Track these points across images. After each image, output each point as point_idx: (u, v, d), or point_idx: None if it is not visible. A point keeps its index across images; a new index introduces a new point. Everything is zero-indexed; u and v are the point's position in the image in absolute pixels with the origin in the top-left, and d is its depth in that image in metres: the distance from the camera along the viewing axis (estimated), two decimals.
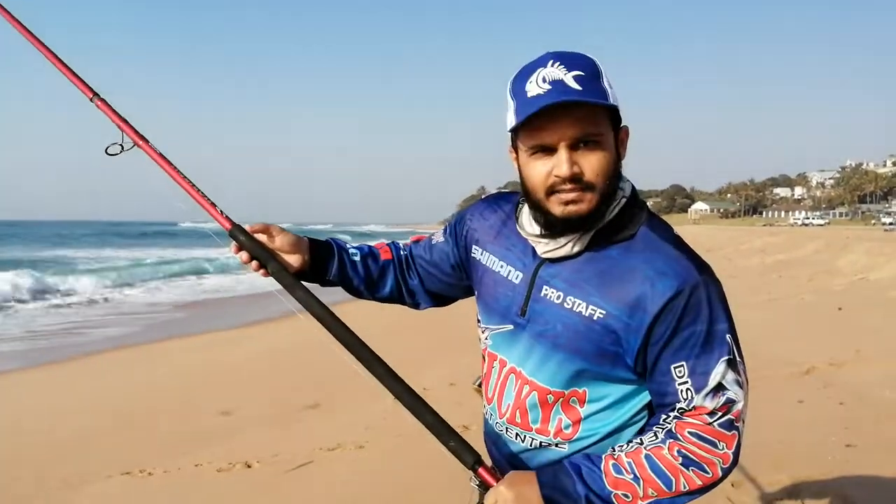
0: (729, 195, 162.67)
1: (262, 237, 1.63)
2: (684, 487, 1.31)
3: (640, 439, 1.36)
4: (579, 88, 1.29)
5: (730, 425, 1.32)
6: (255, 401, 6.64)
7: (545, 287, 1.43)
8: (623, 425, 1.45)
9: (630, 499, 1.32)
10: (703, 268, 1.35)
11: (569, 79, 1.30)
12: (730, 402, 1.32)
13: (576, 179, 1.33)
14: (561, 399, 1.43)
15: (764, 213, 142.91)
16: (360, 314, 4.12)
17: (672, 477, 1.31)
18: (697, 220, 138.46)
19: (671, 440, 1.32)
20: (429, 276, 1.75)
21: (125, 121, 1.70)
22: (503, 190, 1.73)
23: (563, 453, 1.44)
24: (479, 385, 1.64)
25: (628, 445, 1.36)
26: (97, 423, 6.04)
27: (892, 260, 16.84)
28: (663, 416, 1.37)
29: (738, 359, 1.34)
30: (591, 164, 1.33)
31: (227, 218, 1.63)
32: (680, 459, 1.31)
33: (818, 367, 6.94)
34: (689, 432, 1.32)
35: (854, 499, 3.78)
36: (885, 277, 14.90)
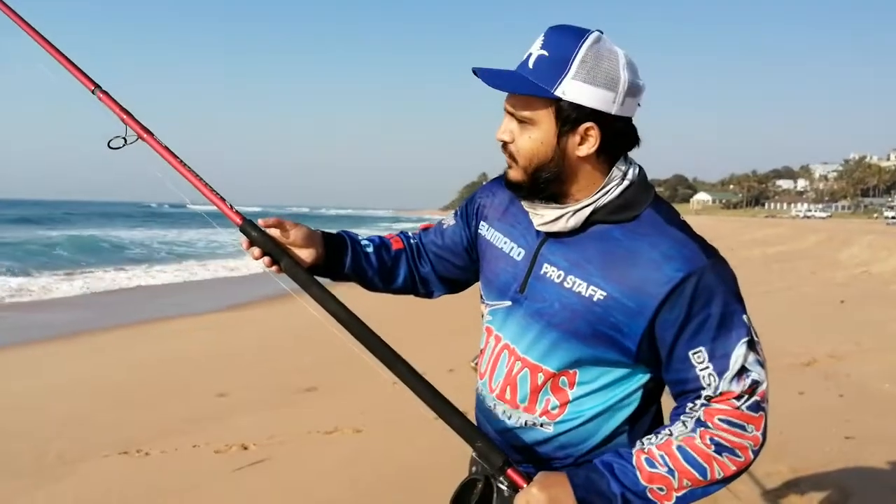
0: (731, 186, 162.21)
1: (275, 232, 1.56)
2: (719, 475, 1.30)
3: (670, 430, 1.33)
4: (531, 68, 1.33)
5: (757, 406, 1.30)
6: (251, 383, 6.64)
7: (546, 265, 1.42)
8: (610, 408, 1.42)
9: (665, 492, 1.30)
10: (710, 251, 1.34)
11: (533, 57, 1.34)
12: (755, 384, 1.30)
13: (506, 146, 1.41)
14: (551, 379, 1.42)
15: (766, 204, 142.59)
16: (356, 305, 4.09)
17: (706, 465, 1.29)
18: (699, 210, 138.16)
19: (702, 428, 1.30)
20: (441, 262, 1.72)
21: (128, 113, 1.63)
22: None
23: (548, 434, 1.43)
24: (476, 363, 1.63)
25: (657, 437, 1.34)
26: (96, 402, 6.04)
27: (894, 254, 16.83)
28: (689, 405, 1.34)
29: (755, 339, 1.33)
30: (519, 140, 1.38)
31: (238, 213, 1.57)
32: (713, 447, 1.29)
33: (819, 359, 6.93)
34: (718, 419, 1.29)
35: (853, 490, 3.78)
36: (887, 271, 14.88)
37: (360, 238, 1.71)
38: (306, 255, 1.58)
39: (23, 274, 17.86)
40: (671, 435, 1.32)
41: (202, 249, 29.00)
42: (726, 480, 1.32)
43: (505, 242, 1.52)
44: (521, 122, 1.36)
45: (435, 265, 1.74)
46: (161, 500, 4.03)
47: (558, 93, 1.31)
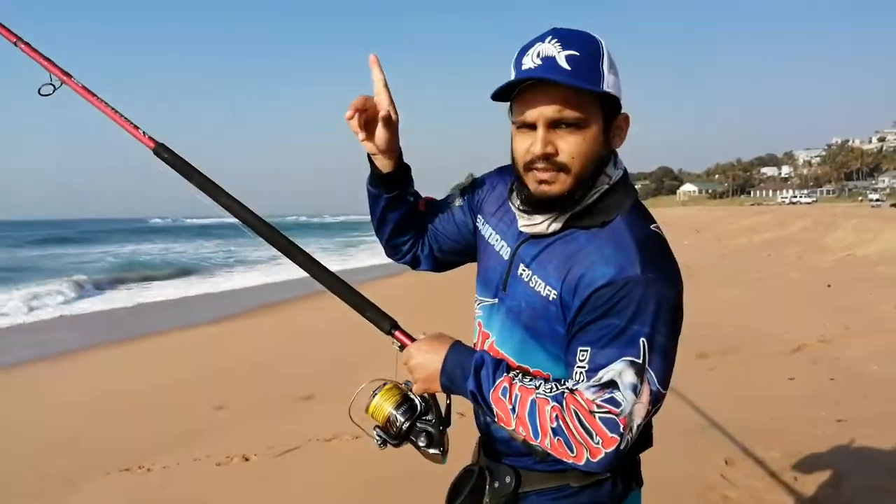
0: (717, 176, 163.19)
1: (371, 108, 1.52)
2: (548, 446, 1.32)
3: (541, 383, 1.37)
4: (567, 69, 1.29)
5: (614, 427, 1.27)
6: (248, 394, 6.66)
7: (521, 265, 1.46)
8: None
9: (504, 420, 1.36)
10: (652, 267, 1.30)
11: (561, 57, 1.30)
12: (614, 403, 1.28)
13: (549, 159, 1.34)
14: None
15: (752, 192, 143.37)
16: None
17: (541, 432, 1.32)
18: (686, 201, 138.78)
19: (556, 403, 1.32)
20: (441, 238, 1.72)
21: (50, 61, 1.76)
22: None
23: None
24: None
25: (529, 380, 1.38)
26: (93, 421, 6.04)
27: (879, 236, 16.98)
28: (563, 382, 1.37)
29: (647, 368, 1.28)
30: (569, 145, 1.33)
31: (151, 138, 1.69)
32: (554, 424, 1.31)
33: (808, 343, 7.02)
34: (573, 408, 1.30)
35: (846, 472, 3.84)
36: (873, 253, 15.03)
37: (411, 182, 1.69)
38: (384, 163, 1.58)
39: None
40: (537, 388, 1.35)
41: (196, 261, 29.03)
42: (556, 456, 1.33)
43: (496, 240, 1.56)
44: (568, 125, 1.32)
45: (433, 244, 1.73)
46: None
47: (604, 87, 1.32)
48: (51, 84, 1.74)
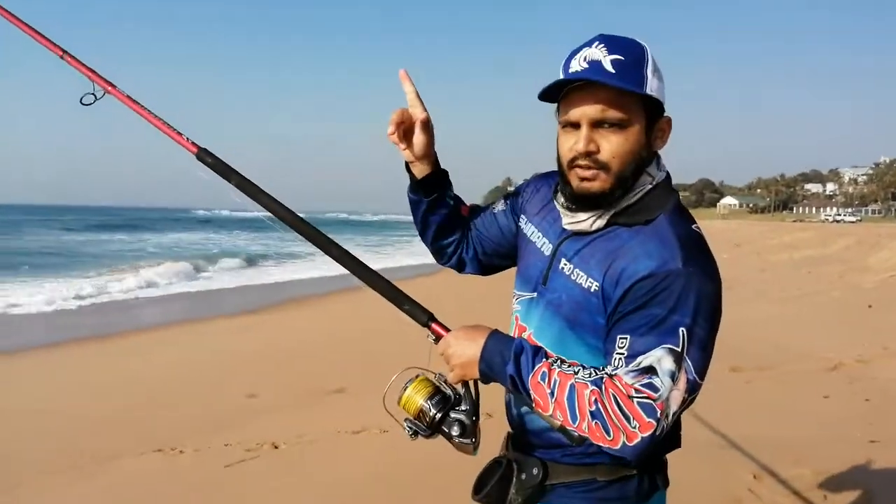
0: (759, 190, 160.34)
1: (407, 120, 1.61)
2: (585, 430, 1.34)
3: (580, 368, 1.39)
4: (612, 72, 1.36)
5: (651, 412, 1.30)
6: (280, 384, 6.77)
7: (563, 259, 1.50)
8: None
9: (542, 406, 1.38)
10: (693, 262, 1.35)
11: (606, 61, 1.37)
12: (652, 388, 1.31)
13: (591, 157, 1.40)
14: None
15: (794, 208, 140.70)
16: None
17: (579, 416, 1.34)
18: (726, 214, 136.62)
19: (595, 387, 1.35)
20: (485, 242, 1.78)
21: (94, 71, 1.83)
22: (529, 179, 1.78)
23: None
24: None
25: (567, 366, 1.40)
26: (133, 401, 6.22)
27: None
28: (601, 368, 1.40)
29: (685, 357, 1.32)
30: (611, 145, 1.39)
31: (194, 143, 1.75)
32: (592, 407, 1.33)
33: (845, 363, 6.90)
34: (612, 392, 1.33)
35: (876, 494, 3.78)
36: None
37: (450, 186, 1.76)
38: (419, 169, 1.67)
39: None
40: (576, 373, 1.37)
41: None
42: (593, 440, 1.35)
43: (538, 237, 1.60)
44: (611, 125, 1.38)
45: (477, 247, 1.79)
46: (194, 497, 4.16)
47: (647, 90, 1.39)
48: (92, 94, 1.81)
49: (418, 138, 1.62)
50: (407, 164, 1.69)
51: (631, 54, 1.38)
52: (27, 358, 8.37)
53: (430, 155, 1.66)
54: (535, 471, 1.54)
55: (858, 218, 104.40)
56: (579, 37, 1.46)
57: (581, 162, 1.41)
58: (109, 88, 1.81)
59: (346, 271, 1.66)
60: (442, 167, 1.71)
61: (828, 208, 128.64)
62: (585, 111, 1.39)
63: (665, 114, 1.46)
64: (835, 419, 5.16)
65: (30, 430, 5.49)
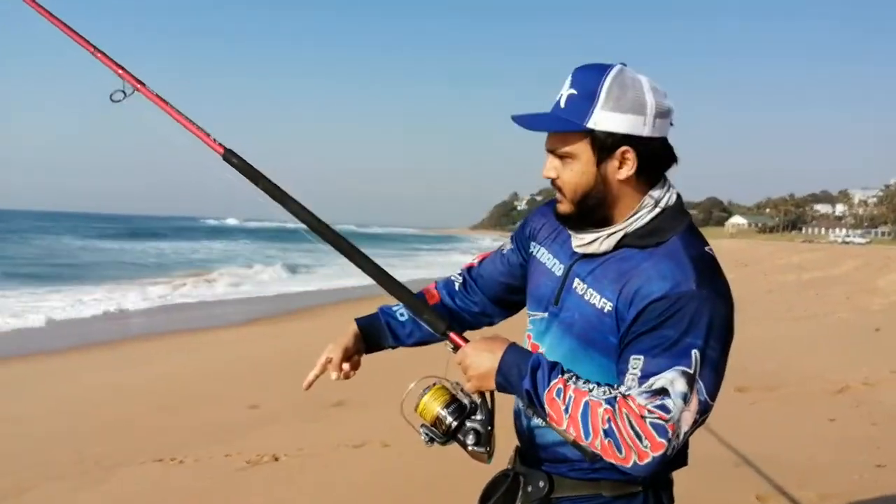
0: (767, 210, 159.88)
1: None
2: (598, 447, 1.36)
3: (595, 386, 1.41)
4: (563, 107, 1.45)
5: (663, 432, 1.32)
6: (282, 396, 6.74)
7: (576, 279, 1.53)
8: None
9: (556, 420, 1.40)
10: (707, 284, 1.38)
11: (564, 97, 1.46)
12: (664, 409, 1.33)
13: (553, 183, 1.51)
14: None
15: (803, 229, 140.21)
16: None
17: (592, 433, 1.36)
18: (734, 234, 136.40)
19: (609, 406, 1.36)
20: (500, 286, 1.81)
21: (123, 68, 1.83)
22: (536, 196, 1.79)
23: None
24: None
25: (583, 383, 1.42)
26: (133, 410, 6.23)
27: None
28: (615, 387, 1.41)
29: (697, 379, 1.34)
30: (563, 174, 1.49)
31: (220, 144, 1.75)
32: (605, 426, 1.35)
33: (852, 385, 6.84)
34: (625, 411, 1.35)
35: None
36: None
37: (393, 309, 1.83)
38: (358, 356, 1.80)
39: None
40: (590, 391, 1.39)
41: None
42: (605, 457, 1.37)
43: (549, 259, 1.63)
44: (563, 157, 1.47)
45: (489, 293, 1.82)
46: None
47: (590, 124, 1.42)
48: (122, 91, 1.81)
49: (346, 368, 1.77)
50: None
51: (585, 88, 1.43)
52: (54, 361, 8.40)
53: (357, 347, 1.79)
54: (541, 484, 1.56)
55: (868, 240, 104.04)
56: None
57: (552, 186, 1.52)
58: (139, 86, 1.81)
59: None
60: (370, 318, 1.82)
61: (837, 229, 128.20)
62: (547, 142, 1.50)
63: (625, 144, 1.43)
64: (841, 442, 5.11)
65: (35, 436, 5.50)
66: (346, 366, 1.76)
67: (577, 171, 1.46)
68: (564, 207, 1.51)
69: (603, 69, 1.43)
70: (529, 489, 1.58)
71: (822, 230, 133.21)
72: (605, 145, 1.44)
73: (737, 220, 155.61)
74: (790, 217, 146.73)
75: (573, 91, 1.44)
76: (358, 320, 1.82)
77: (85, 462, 4.83)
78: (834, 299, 15.85)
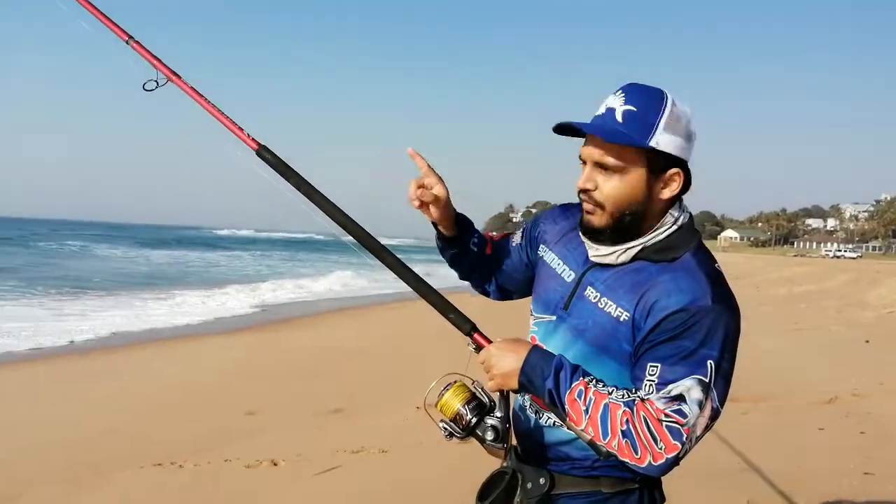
0: (760, 224, 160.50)
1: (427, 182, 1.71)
2: (615, 447, 1.44)
3: (613, 388, 1.48)
4: (620, 121, 1.48)
5: (677, 435, 1.41)
6: (280, 403, 6.82)
7: (589, 287, 1.59)
8: None
9: (575, 420, 1.47)
10: (721, 299, 1.47)
11: (619, 111, 1.49)
12: (681, 414, 1.41)
13: (588, 194, 1.54)
14: None
15: (795, 243, 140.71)
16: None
17: (610, 433, 1.43)
18: (727, 247, 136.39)
19: (627, 409, 1.44)
20: (504, 275, 1.89)
21: (158, 59, 1.88)
22: (531, 209, 1.86)
23: (572, 435, 1.56)
24: None
25: (603, 386, 1.48)
26: (131, 416, 6.27)
27: None
28: (633, 391, 1.48)
29: (711, 388, 1.43)
30: (606, 187, 1.52)
31: (254, 140, 1.80)
32: (624, 427, 1.42)
33: (841, 396, 6.93)
34: (643, 414, 1.42)
35: None
36: None
37: (474, 233, 1.87)
38: (442, 227, 1.79)
39: None
40: (610, 394, 1.47)
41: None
42: (620, 460, 1.44)
43: (559, 264, 1.69)
44: (610, 170, 1.50)
45: (498, 278, 1.91)
46: None
47: (652, 143, 1.48)
48: (154, 81, 1.87)
49: (434, 210, 1.73)
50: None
51: (644, 106, 1.48)
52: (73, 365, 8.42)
53: (448, 218, 1.77)
54: (542, 481, 1.62)
55: (859, 254, 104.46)
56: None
57: (583, 197, 1.55)
58: (173, 77, 1.86)
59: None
60: (464, 218, 1.83)
61: (829, 244, 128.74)
62: (590, 152, 1.52)
63: (676, 167, 1.52)
64: (830, 451, 5.19)
65: (33, 440, 5.53)
66: (428, 193, 1.70)
67: (624, 185, 1.51)
68: (600, 220, 1.54)
69: (660, 92, 1.51)
70: (529, 486, 1.63)
71: (814, 244, 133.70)
72: (658, 166, 1.51)
73: (729, 233, 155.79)
74: (782, 231, 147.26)
75: (631, 108, 1.48)
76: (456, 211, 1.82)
77: (79, 467, 4.87)
78: (825, 312, 15.98)
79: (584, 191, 1.54)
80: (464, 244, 1.83)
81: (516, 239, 1.88)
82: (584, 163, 1.55)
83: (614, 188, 1.51)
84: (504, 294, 1.94)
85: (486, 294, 1.95)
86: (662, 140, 1.49)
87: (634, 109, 1.48)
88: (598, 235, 1.56)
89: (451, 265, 1.90)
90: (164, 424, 6.01)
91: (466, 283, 1.95)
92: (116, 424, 5.97)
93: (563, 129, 1.56)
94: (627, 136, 1.48)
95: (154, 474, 4.76)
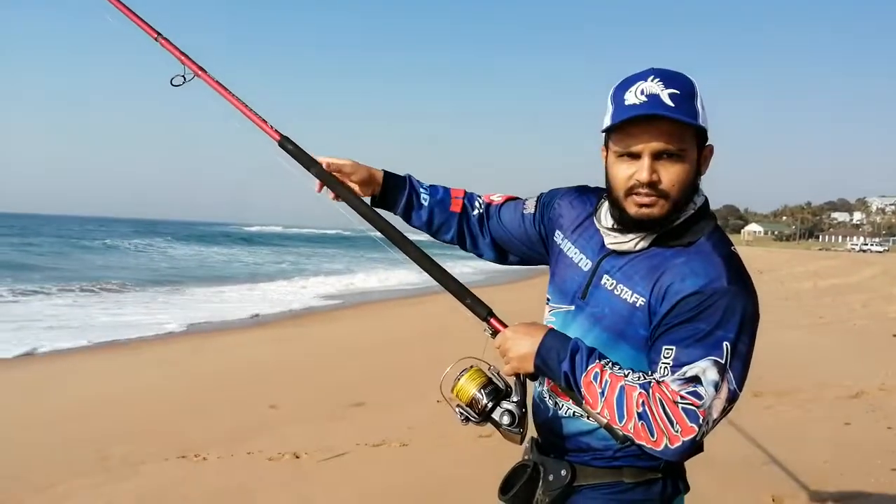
0: (784, 218, 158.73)
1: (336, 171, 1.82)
2: (631, 430, 1.42)
3: (629, 371, 1.47)
4: (672, 105, 1.44)
5: (693, 417, 1.39)
6: (302, 396, 6.87)
7: (605, 275, 1.59)
8: None
9: (591, 403, 1.46)
10: (737, 280, 1.45)
11: (664, 95, 1.45)
12: (696, 396, 1.39)
13: (653, 186, 1.48)
14: None
15: (820, 237, 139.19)
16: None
17: (626, 416, 1.42)
18: (751, 241, 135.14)
19: (643, 391, 1.42)
20: (510, 240, 1.88)
21: (185, 55, 1.93)
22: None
23: (592, 426, 1.56)
24: None
25: (619, 369, 1.48)
26: (156, 410, 6.35)
27: None
28: (648, 374, 1.47)
29: (728, 369, 1.41)
30: (670, 174, 1.48)
31: (276, 131, 1.85)
32: (640, 409, 1.41)
33: (868, 391, 6.85)
34: (658, 396, 1.41)
35: None
36: None
37: (420, 189, 1.90)
38: (363, 190, 1.85)
39: None
40: (625, 376, 1.45)
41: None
42: (636, 443, 1.43)
43: (576, 253, 1.69)
44: (673, 156, 1.47)
45: (499, 239, 1.90)
46: (217, 503, 4.24)
47: (701, 122, 1.48)
48: (182, 76, 1.91)
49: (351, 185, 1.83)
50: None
51: (684, 88, 1.47)
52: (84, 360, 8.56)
53: (368, 183, 1.85)
54: (563, 472, 1.61)
55: (886, 248, 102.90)
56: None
57: (641, 190, 1.49)
58: (199, 73, 1.90)
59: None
60: (394, 181, 1.88)
61: (854, 237, 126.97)
62: (650, 143, 1.46)
63: (708, 142, 1.55)
64: (856, 446, 5.13)
65: (65, 433, 5.62)
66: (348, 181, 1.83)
67: (686, 170, 1.49)
68: (661, 210, 1.50)
69: (685, 75, 1.51)
70: (551, 478, 1.62)
71: (840, 238, 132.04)
72: (702, 143, 1.53)
73: (753, 227, 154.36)
74: (807, 225, 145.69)
75: (675, 91, 1.45)
76: (387, 171, 1.89)
77: (109, 459, 4.93)
78: (851, 306, 15.78)
79: (648, 184, 1.47)
80: (405, 204, 1.88)
81: (529, 208, 1.86)
82: (633, 156, 1.49)
83: (678, 175, 1.48)
84: (500, 254, 1.92)
85: (478, 254, 1.94)
86: (703, 117, 1.49)
87: (678, 92, 1.46)
88: (652, 226, 1.52)
89: (414, 226, 1.92)
90: (188, 417, 6.07)
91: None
92: (142, 418, 6.06)
93: (624, 123, 1.48)
94: (694, 119, 1.46)
95: (179, 466, 4.82)
